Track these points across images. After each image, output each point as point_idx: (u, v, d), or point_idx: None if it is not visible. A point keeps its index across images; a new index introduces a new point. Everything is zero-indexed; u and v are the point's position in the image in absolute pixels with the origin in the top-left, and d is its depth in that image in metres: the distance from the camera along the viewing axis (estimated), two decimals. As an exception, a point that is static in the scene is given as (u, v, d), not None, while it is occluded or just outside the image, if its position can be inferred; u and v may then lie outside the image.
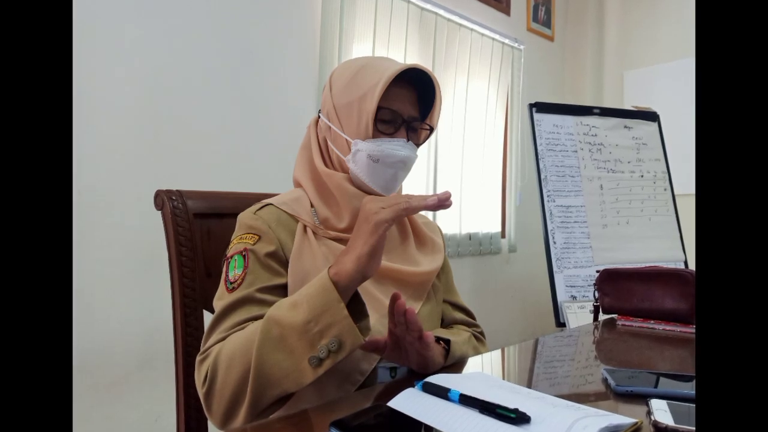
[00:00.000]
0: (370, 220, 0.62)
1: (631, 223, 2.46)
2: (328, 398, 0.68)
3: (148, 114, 1.61)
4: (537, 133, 2.41)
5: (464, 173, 2.65)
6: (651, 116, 2.64)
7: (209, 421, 0.68)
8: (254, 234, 0.74)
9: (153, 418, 1.58)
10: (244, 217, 0.77)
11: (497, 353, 0.85)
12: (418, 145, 0.81)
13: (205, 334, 0.70)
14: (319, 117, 0.83)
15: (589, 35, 3.35)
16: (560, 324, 2.21)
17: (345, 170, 0.78)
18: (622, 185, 2.49)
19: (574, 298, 2.27)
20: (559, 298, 2.25)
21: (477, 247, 2.76)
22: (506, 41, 2.91)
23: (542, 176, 2.36)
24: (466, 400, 0.52)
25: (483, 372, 0.74)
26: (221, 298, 0.71)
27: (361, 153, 0.75)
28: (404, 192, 0.82)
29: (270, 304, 0.67)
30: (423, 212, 0.80)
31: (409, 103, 0.78)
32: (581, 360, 0.85)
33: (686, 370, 0.74)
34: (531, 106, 2.45)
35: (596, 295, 1.17)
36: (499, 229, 2.93)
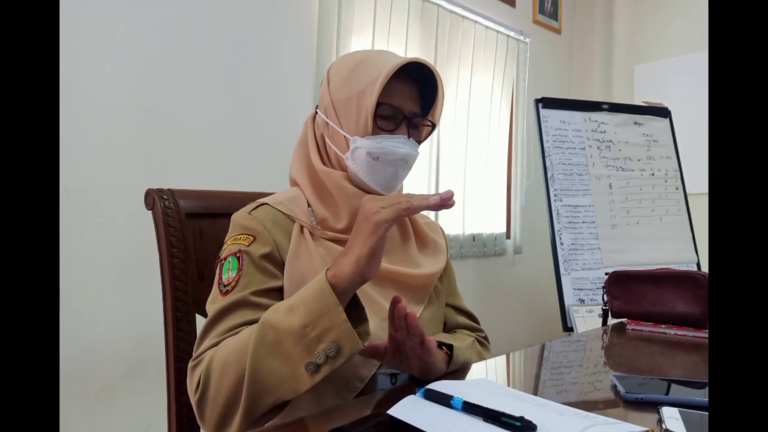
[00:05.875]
0: (370, 220, 0.61)
1: (642, 224, 2.43)
2: (326, 406, 0.67)
3: (139, 110, 1.59)
4: (543, 130, 2.38)
5: (467, 171, 2.64)
6: (662, 112, 2.61)
7: (202, 430, 0.66)
8: (249, 235, 0.73)
9: (143, 427, 1.57)
10: (239, 217, 0.76)
11: (502, 359, 0.84)
12: (419, 142, 0.80)
13: (197, 339, 0.69)
14: (316, 113, 0.82)
15: (597, 28, 3.32)
16: (567, 328, 2.20)
17: (343, 168, 0.77)
18: (632, 184, 2.46)
19: (582, 301, 2.25)
20: (567, 301, 2.23)
21: (481, 248, 2.74)
22: (511, 34, 2.88)
23: (549, 174, 2.34)
24: (470, 408, 0.51)
25: (487, 378, 0.73)
26: (214, 302, 0.70)
27: (360, 150, 0.74)
28: (405, 191, 0.82)
29: (265, 307, 0.66)
30: (424, 212, 0.79)
31: (410, 99, 0.77)
32: (589, 366, 0.85)
33: (699, 377, 0.73)
34: (537, 101, 2.43)
35: (605, 298, 1.16)
36: (503, 229, 2.91)
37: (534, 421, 0.47)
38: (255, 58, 1.86)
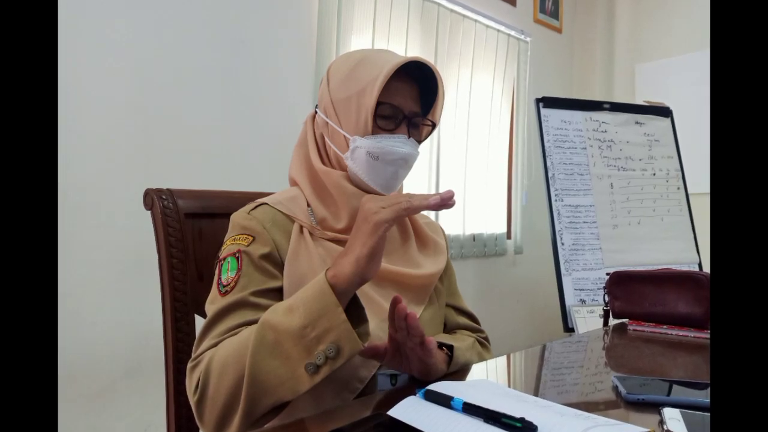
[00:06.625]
0: (370, 220, 0.60)
1: (643, 224, 2.42)
2: (326, 407, 0.67)
3: (137, 110, 1.59)
4: (544, 129, 2.38)
5: (468, 171, 2.63)
6: (664, 111, 2.60)
7: (201, 431, 0.66)
8: (248, 235, 0.72)
9: (142, 428, 1.57)
10: (238, 217, 0.75)
11: (503, 360, 0.84)
12: (419, 141, 0.79)
13: (196, 340, 0.69)
14: (315, 112, 0.82)
15: (598, 27, 3.31)
16: (568, 329, 2.19)
17: (343, 168, 0.77)
18: (634, 184, 2.45)
19: (583, 301, 2.24)
20: (568, 302, 2.22)
21: (481, 248, 2.74)
22: (512, 33, 2.88)
23: (549, 174, 2.34)
24: (470, 409, 0.51)
25: (488, 379, 0.73)
26: (213, 302, 0.69)
27: (360, 150, 0.74)
28: (405, 191, 0.81)
29: (264, 308, 0.66)
30: (425, 212, 0.79)
31: (410, 98, 0.76)
32: (590, 367, 0.84)
33: (700, 378, 0.73)
34: (538, 101, 2.42)
35: (606, 298, 1.16)
36: (504, 229, 2.91)
37: (535, 422, 0.47)
38: (255, 58, 1.86)
